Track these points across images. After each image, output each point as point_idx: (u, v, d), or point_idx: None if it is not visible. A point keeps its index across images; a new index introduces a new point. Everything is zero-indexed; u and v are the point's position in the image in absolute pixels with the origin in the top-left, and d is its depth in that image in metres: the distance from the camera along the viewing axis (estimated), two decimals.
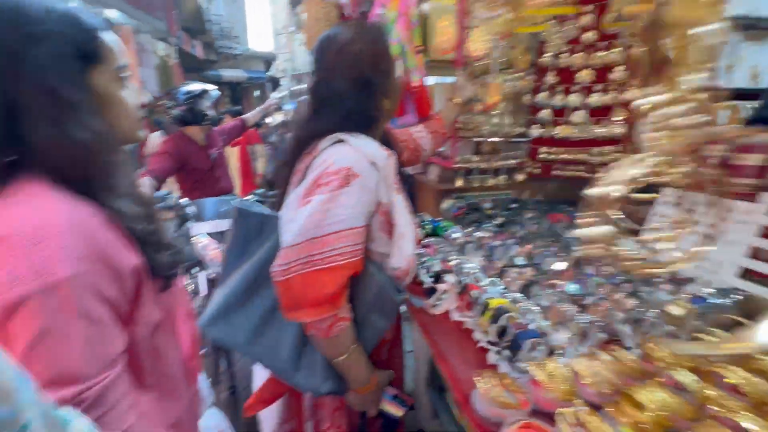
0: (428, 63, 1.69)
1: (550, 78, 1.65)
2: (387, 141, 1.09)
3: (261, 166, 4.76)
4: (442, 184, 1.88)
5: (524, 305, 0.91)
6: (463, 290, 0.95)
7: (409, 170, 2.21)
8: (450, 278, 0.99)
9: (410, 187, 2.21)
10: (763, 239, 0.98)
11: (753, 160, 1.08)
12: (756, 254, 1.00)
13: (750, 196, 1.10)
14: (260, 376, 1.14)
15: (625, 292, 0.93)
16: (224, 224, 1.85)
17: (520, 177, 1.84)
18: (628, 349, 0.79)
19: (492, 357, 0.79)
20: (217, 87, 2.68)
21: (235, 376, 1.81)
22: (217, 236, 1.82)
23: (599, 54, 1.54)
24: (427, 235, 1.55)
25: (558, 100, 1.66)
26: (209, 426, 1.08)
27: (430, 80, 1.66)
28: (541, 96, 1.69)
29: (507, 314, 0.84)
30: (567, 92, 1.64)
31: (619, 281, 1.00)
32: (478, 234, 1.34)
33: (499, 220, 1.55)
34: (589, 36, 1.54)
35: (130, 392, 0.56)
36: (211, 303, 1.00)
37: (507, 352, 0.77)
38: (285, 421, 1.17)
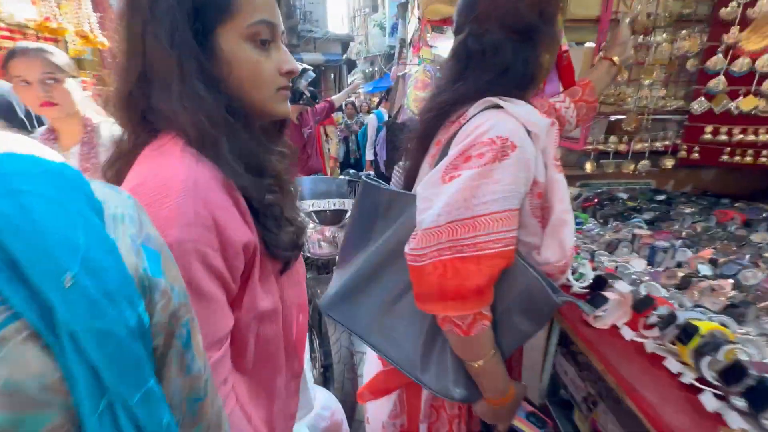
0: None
1: (733, 34, 1.28)
2: None
3: (333, 148, 4.75)
4: (566, 169, 1.61)
5: (740, 334, 0.67)
6: (644, 303, 0.74)
7: None
8: (622, 286, 0.78)
9: None
10: None
11: None
12: None
13: None
14: (372, 361, 1.07)
15: None
16: (321, 203, 1.82)
17: (668, 163, 1.50)
18: None
19: (710, 402, 0.58)
20: (313, 69, 2.69)
21: (330, 355, 1.80)
22: (312, 215, 1.80)
23: None
24: None
25: (741, 63, 1.28)
26: (322, 405, 1.04)
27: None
28: (716, 59, 1.32)
29: (727, 346, 0.62)
30: (757, 53, 1.26)
31: None
32: (634, 231, 1.09)
33: (647, 215, 1.27)
34: None
35: (230, 379, 0.51)
36: (332, 284, 0.95)
37: (741, 402, 0.55)
38: (396, 416, 1.09)
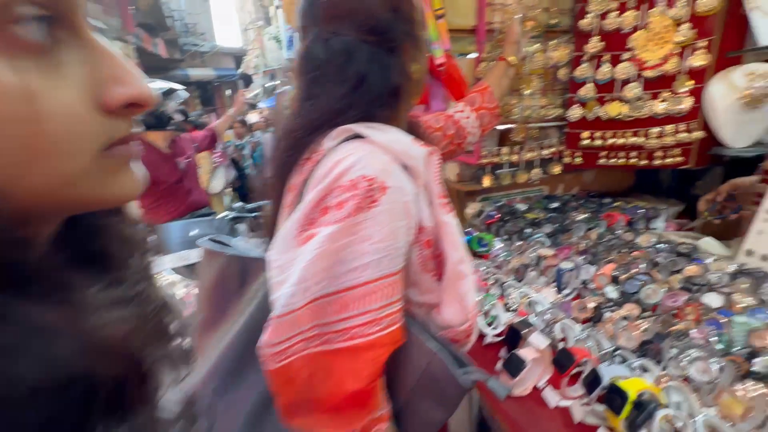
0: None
1: (593, 45, 1.33)
2: (413, 133, 0.77)
3: (204, 179, 3.46)
4: (464, 185, 1.55)
5: (664, 381, 0.58)
6: (565, 360, 0.62)
7: None
8: (538, 340, 0.65)
9: None
10: None
11: None
12: None
13: None
14: None
15: None
16: (192, 255, 1.47)
17: (556, 169, 1.52)
18: None
19: None
20: (185, 87, 2.30)
21: None
22: (187, 270, 1.44)
23: (659, 8, 1.22)
24: None
25: (604, 72, 1.33)
26: None
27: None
28: (582, 68, 1.36)
29: (660, 412, 0.51)
30: (616, 61, 1.32)
31: None
32: (539, 251, 1.02)
33: (547, 228, 1.23)
34: None
35: None
36: (184, 386, 0.67)
37: None
38: None
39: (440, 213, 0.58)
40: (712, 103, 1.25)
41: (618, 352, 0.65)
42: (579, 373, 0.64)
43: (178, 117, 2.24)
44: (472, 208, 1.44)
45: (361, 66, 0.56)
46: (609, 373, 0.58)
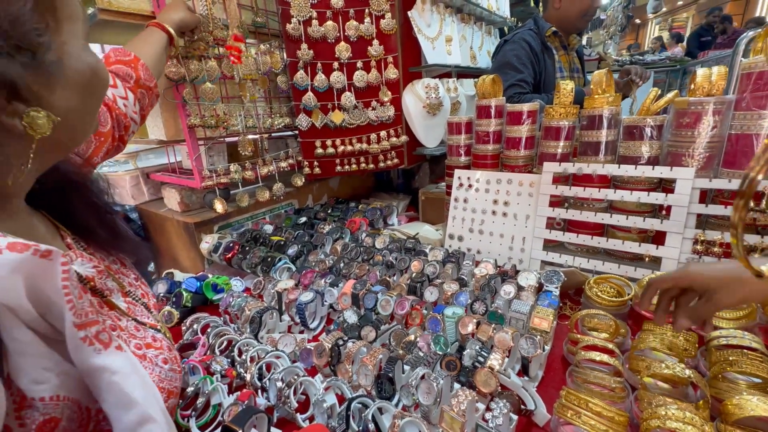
0: (92, 17, 0.95)
1: (305, 52, 1.29)
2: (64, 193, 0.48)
3: None
4: (192, 215, 1.23)
5: (400, 421, 0.52)
6: None
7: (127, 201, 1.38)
8: None
9: (140, 228, 1.40)
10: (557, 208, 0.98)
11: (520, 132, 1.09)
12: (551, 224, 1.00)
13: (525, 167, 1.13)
14: None
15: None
16: None
17: (298, 181, 1.44)
18: None
19: None
20: None
21: None
22: None
23: (353, 23, 1.29)
24: (188, 312, 0.91)
25: (321, 80, 1.32)
26: None
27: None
28: (300, 75, 1.31)
29: None
30: (328, 70, 1.33)
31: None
32: (278, 287, 0.85)
33: (293, 250, 1.10)
34: None
35: None
36: None
37: None
38: None
39: (87, 355, 0.34)
40: (407, 110, 1.45)
41: (356, 402, 0.56)
42: None
43: None
44: (207, 243, 1.15)
45: None
46: None
